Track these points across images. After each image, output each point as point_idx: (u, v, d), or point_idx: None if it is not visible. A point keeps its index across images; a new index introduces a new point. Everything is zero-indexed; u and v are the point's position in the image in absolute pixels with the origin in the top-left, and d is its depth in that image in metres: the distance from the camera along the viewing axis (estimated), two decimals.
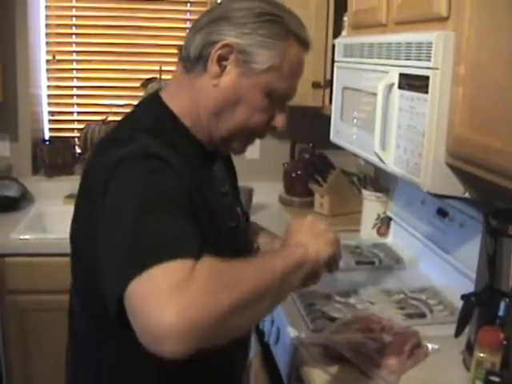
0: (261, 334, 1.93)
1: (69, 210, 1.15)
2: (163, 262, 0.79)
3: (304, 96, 2.50)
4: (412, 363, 1.46)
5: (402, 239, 2.38)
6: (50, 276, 2.41)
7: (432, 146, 1.40)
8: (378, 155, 1.64)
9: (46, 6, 3.07)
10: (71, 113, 3.22)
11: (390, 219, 2.51)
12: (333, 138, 2.13)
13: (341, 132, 2.04)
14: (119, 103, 3.04)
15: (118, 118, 1.26)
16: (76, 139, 3.16)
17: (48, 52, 3.12)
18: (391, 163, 1.59)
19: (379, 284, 2.03)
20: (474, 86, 1.28)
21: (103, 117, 3.03)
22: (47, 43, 3.12)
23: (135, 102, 1.29)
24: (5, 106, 2.90)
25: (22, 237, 2.53)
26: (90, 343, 1.16)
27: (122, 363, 1.13)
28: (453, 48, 1.34)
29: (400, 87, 1.53)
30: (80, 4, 3.11)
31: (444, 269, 1.99)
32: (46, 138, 3.20)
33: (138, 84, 2.96)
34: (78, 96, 3.21)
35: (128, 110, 1.26)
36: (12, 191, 2.88)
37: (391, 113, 1.58)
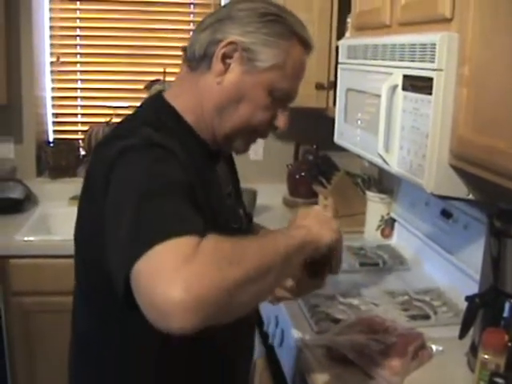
0: (265, 336, 1.93)
1: (73, 211, 1.16)
2: (168, 239, 0.80)
3: (308, 97, 2.51)
4: (416, 365, 1.46)
5: (406, 240, 2.38)
6: (54, 278, 2.42)
7: (436, 148, 1.40)
8: (381, 157, 1.64)
9: (51, 9, 3.08)
10: (75, 114, 3.23)
11: (393, 220, 2.51)
12: (337, 139, 2.13)
13: (345, 133, 2.04)
14: (123, 105, 3.04)
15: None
16: (80, 141, 3.18)
17: (52, 54, 3.13)
18: (395, 165, 1.59)
19: (383, 285, 2.03)
20: (478, 87, 1.28)
21: (107, 119, 3.04)
22: (51, 45, 3.13)
23: (139, 104, 1.29)
24: (9, 107, 2.91)
25: (26, 238, 2.54)
26: (93, 343, 1.16)
27: (124, 363, 1.14)
28: (457, 49, 1.34)
29: (404, 89, 1.53)
30: (84, 6, 3.12)
31: (448, 270, 1.98)
32: (51, 139, 3.21)
33: (142, 86, 2.97)
34: (82, 98, 3.21)
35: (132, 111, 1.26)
36: (16, 193, 2.88)
37: (395, 114, 1.58)
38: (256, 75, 1.14)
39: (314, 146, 3.03)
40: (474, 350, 1.44)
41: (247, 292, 0.83)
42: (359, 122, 1.88)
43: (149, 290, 0.77)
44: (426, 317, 1.75)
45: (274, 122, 1.21)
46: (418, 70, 1.45)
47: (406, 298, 1.88)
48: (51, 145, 3.14)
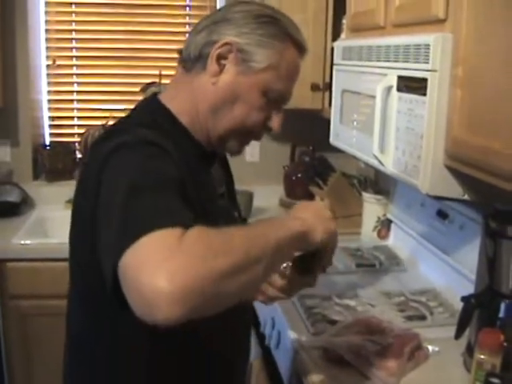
0: (261, 337, 1.93)
1: (70, 214, 1.15)
2: (153, 231, 0.80)
3: (303, 99, 2.51)
4: (412, 365, 1.46)
5: (403, 241, 2.38)
6: (51, 281, 2.41)
7: (430, 148, 1.40)
8: (376, 158, 1.64)
9: (46, 12, 3.08)
10: (71, 117, 3.23)
11: (390, 221, 2.52)
12: (332, 140, 2.13)
13: (340, 135, 2.05)
14: (119, 108, 3.04)
15: None
16: (76, 144, 3.17)
17: (48, 57, 3.13)
18: (390, 165, 1.59)
19: (379, 286, 2.04)
20: (472, 88, 1.28)
21: (103, 121, 3.04)
22: (47, 48, 3.13)
23: (134, 106, 1.29)
24: (5, 111, 2.91)
25: (23, 242, 2.54)
26: (85, 344, 1.17)
27: (116, 363, 1.14)
28: (450, 50, 1.34)
29: (398, 90, 1.53)
30: (79, 9, 3.13)
31: (444, 271, 1.99)
32: (47, 142, 3.20)
33: (137, 88, 2.97)
34: (79, 101, 3.21)
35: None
36: (13, 196, 2.88)
37: (390, 115, 1.58)
38: (251, 76, 1.15)
39: (310, 148, 3.04)
40: (470, 350, 1.45)
41: (234, 282, 0.82)
42: (355, 123, 1.88)
43: (135, 281, 0.77)
44: (422, 317, 1.75)
45: (268, 124, 1.21)
46: (412, 70, 1.46)
47: (402, 298, 1.89)
48: (47, 148, 3.14)
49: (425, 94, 1.39)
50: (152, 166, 0.95)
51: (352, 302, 1.84)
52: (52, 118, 3.21)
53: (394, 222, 2.48)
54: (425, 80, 1.39)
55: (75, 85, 3.20)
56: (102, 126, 3.02)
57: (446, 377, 1.46)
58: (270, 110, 1.20)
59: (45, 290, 2.45)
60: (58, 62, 3.13)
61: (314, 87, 2.60)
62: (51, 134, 3.23)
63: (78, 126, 3.22)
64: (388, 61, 1.60)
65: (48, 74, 3.15)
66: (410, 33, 1.54)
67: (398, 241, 2.43)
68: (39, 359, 2.56)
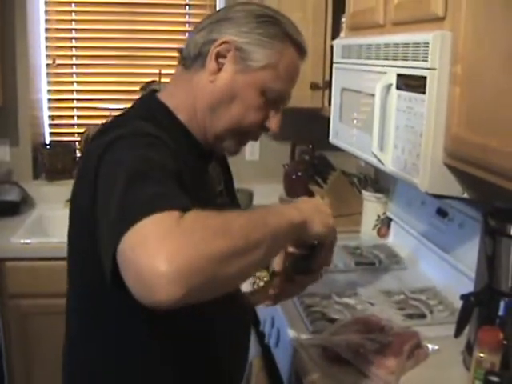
0: (261, 336, 1.93)
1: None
2: (151, 214, 0.80)
3: (303, 97, 2.51)
4: (412, 364, 1.46)
5: (402, 240, 2.38)
6: (51, 280, 2.41)
7: (430, 147, 1.40)
8: (376, 156, 1.64)
9: (46, 11, 3.08)
10: (71, 117, 3.23)
11: (390, 220, 2.51)
12: (332, 139, 2.13)
13: (340, 133, 2.04)
14: (119, 107, 3.04)
15: None
16: (76, 143, 3.17)
17: (48, 56, 3.13)
18: (389, 164, 1.59)
19: (379, 285, 2.03)
20: (471, 86, 1.28)
21: (103, 120, 3.03)
22: (47, 47, 3.13)
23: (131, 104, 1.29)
24: (5, 110, 2.91)
25: (23, 241, 2.54)
26: (83, 343, 1.17)
27: (113, 362, 1.13)
28: (449, 48, 1.34)
29: (398, 88, 1.53)
30: (79, 8, 3.13)
31: (444, 269, 1.99)
32: (47, 142, 3.21)
33: (137, 87, 2.97)
34: (78, 100, 3.21)
35: None
36: (13, 195, 2.89)
37: (389, 113, 1.58)
38: (249, 75, 1.15)
39: (310, 146, 3.04)
40: (469, 348, 1.45)
41: (234, 265, 0.82)
42: (354, 121, 1.88)
43: (134, 263, 0.77)
44: (422, 316, 1.75)
45: (265, 124, 1.21)
46: (411, 69, 1.45)
47: (402, 297, 1.88)
48: (47, 147, 3.15)
49: (424, 92, 1.39)
50: (149, 156, 0.95)
51: (351, 301, 1.84)
52: (52, 118, 3.21)
53: (394, 221, 2.48)
54: (424, 78, 1.38)
55: (75, 84, 3.20)
56: (102, 124, 3.01)
57: (445, 375, 1.46)
58: (268, 110, 1.20)
59: (44, 289, 2.45)
60: (57, 62, 3.13)
61: (314, 86, 2.60)
62: (51, 134, 3.23)
63: (78, 125, 3.22)
64: (387, 59, 1.60)
65: (48, 74, 3.15)
66: (409, 31, 1.54)
67: (398, 239, 2.43)
68: (39, 358, 2.56)
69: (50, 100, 3.19)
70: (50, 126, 3.22)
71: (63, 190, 2.90)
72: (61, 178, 3.04)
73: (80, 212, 1.07)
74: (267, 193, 2.99)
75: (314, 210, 1.10)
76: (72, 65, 3.18)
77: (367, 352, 1.44)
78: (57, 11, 3.10)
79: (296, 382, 1.55)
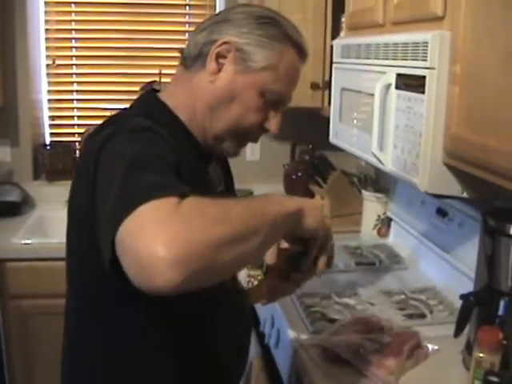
0: (261, 336, 1.93)
1: None
2: (149, 201, 0.80)
3: (303, 97, 2.51)
4: (411, 364, 1.46)
5: (403, 239, 2.38)
6: (51, 280, 2.40)
7: (429, 146, 1.40)
8: (375, 156, 1.64)
9: (46, 11, 3.09)
10: (71, 117, 3.23)
11: (390, 220, 2.51)
12: (332, 139, 2.13)
13: (340, 133, 2.04)
14: (119, 107, 3.03)
15: None
16: (77, 143, 3.18)
17: (48, 57, 3.13)
18: (389, 164, 1.59)
19: (379, 285, 2.03)
20: (470, 85, 1.28)
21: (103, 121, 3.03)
22: (47, 48, 3.13)
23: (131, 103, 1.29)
24: (5, 111, 2.91)
25: (23, 241, 2.54)
26: (82, 342, 1.17)
27: (111, 361, 1.14)
28: (449, 47, 1.34)
29: (397, 87, 1.53)
30: (79, 9, 3.13)
31: (444, 269, 1.98)
32: (47, 142, 3.21)
33: (137, 88, 2.97)
34: (78, 100, 3.22)
35: None
36: (13, 196, 2.89)
37: (389, 113, 1.57)
38: (249, 75, 1.15)
39: (310, 146, 3.03)
40: (469, 348, 1.44)
41: (233, 251, 0.82)
42: (354, 121, 1.88)
43: (132, 249, 0.77)
44: (422, 316, 1.75)
45: (265, 125, 1.21)
46: (410, 68, 1.45)
47: (402, 297, 1.88)
48: (48, 147, 3.15)
49: (423, 92, 1.38)
50: (148, 148, 0.96)
51: (351, 301, 1.84)
52: (52, 118, 3.21)
53: (394, 220, 2.48)
54: (423, 78, 1.38)
55: (75, 84, 3.20)
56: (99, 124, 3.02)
57: (445, 375, 1.45)
58: (268, 111, 1.20)
59: (45, 290, 2.45)
60: (57, 62, 3.13)
61: (314, 86, 2.59)
62: (51, 134, 3.23)
63: (78, 125, 3.22)
64: (387, 59, 1.59)
65: (48, 74, 3.15)
66: (409, 30, 1.53)
67: (398, 239, 2.43)
68: (40, 359, 2.56)
69: (50, 100, 3.19)
70: (50, 126, 3.22)
71: (64, 190, 2.86)
72: (61, 178, 3.04)
73: (79, 211, 1.07)
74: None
75: (312, 206, 1.10)
76: (72, 65, 3.18)
77: (367, 352, 1.44)
78: (57, 12, 3.10)
79: (296, 383, 1.55)
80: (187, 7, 3.20)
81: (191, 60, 1.19)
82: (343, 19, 2.24)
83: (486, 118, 1.22)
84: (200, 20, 1.24)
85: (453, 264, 1.92)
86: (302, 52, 1.20)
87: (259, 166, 3.17)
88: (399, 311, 1.77)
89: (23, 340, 2.56)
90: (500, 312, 1.38)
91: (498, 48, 1.16)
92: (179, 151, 1.05)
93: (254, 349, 1.82)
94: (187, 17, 3.22)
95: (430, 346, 1.54)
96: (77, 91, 3.20)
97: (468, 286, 1.52)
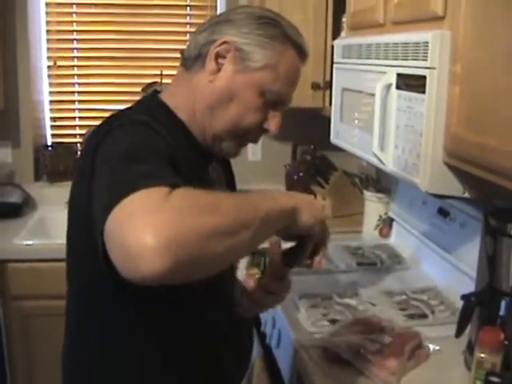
0: (262, 337, 1.93)
1: None
2: (139, 190, 0.80)
3: (304, 97, 2.51)
4: (413, 364, 1.46)
5: (404, 240, 2.37)
6: (53, 281, 2.40)
7: (430, 146, 1.39)
8: (376, 156, 1.63)
9: (47, 12, 3.09)
10: (73, 118, 3.23)
11: (391, 220, 2.51)
12: (333, 139, 2.12)
13: (341, 133, 2.04)
14: (121, 108, 3.03)
15: None
16: (78, 145, 3.18)
17: (49, 58, 3.13)
18: (390, 164, 1.59)
19: (381, 285, 2.03)
20: (471, 85, 1.28)
21: None
22: (48, 49, 3.13)
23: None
24: (7, 112, 2.91)
25: (25, 242, 2.54)
26: (82, 342, 1.17)
27: (110, 360, 1.14)
28: (449, 47, 1.34)
29: (398, 87, 1.53)
30: (80, 10, 3.13)
31: (445, 269, 1.98)
32: (48, 143, 3.21)
33: (139, 89, 2.97)
34: (80, 101, 3.22)
35: None
36: (15, 197, 2.89)
37: (389, 113, 1.57)
38: (248, 75, 1.15)
39: (312, 146, 3.03)
40: (470, 348, 1.44)
41: (221, 243, 0.82)
42: (355, 121, 1.88)
43: (120, 237, 0.77)
44: (424, 316, 1.75)
45: (264, 126, 1.20)
46: (411, 68, 1.45)
47: (403, 297, 1.88)
48: (49, 149, 3.15)
49: (424, 92, 1.38)
50: (141, 139, 0.96)
51: (353, 301, 1.84)
52: (53, 119, 3.22)
53: (396, 221, 2.47)
54: (423, 77, 1.38)
55: (76, 85, 3.20)
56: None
57: (446, 376, 1.45)
58: (268, 111, 1.19)
59: (47, 291, 2.45)
60: (59, 63, 3.13)
61: (315, 86, 2.59)
62: (53, 135, 3.23)
63: (80, 126, 3.22)
64: (387, 59, 1.59)
65: (49, 75, 3.16)
66: (410, 30, 1.53)
67: (400, 239, 2.42)
68: (41, 359, 2.56)
69: (51, 101, 3.19)
70: (52, 127, 3.23)
71: (65, 191, 2.84)
72: (62, 179, 3.04)
73: (78, 212, 1.07)
74: None
75: (307, 202, 1.09)
76: (73, 66, 3.18)
77: (368, 353, 1.43)
78: (58, 13, 3.11)
79: (297, 383, 1.55)
80: (188, 8, 3.20)
81: (191, 60, 1.19)
82: (344, 19, 2.25)
83: (486, 117, 1.22)
84: (201, 21, 1.24)
85: (454, 264, 1.91)
86: (302, 53, 1.20)
87: (261, 167, 3.17)
88: (400, 311, 1.77)
89: (25, 341, 2.56)
90: (501, 312, 1.38)
91: (498, 48, 1.16)
92: (179, 150, 1.05)
93: (255, 349, 1.81)
94: (188, 18, 3.22)
95: (431, 347, 1.54)
96: (78, 92, 3.21)
97: (469, 286, 1.52)
